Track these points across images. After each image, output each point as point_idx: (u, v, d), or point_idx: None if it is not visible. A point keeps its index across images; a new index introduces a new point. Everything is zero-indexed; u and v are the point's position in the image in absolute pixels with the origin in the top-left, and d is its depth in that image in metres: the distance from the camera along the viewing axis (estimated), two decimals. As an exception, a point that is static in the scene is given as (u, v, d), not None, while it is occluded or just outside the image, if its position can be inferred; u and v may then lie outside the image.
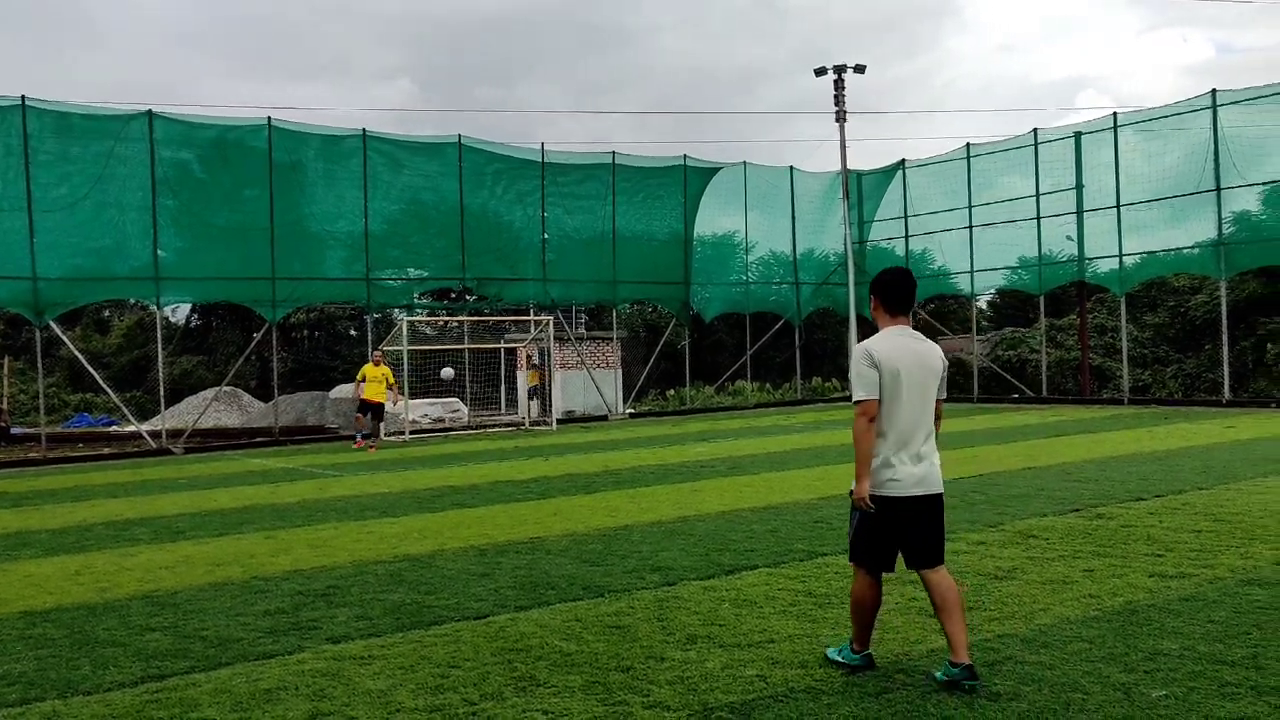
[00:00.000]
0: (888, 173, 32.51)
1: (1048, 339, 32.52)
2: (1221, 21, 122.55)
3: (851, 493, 5.22)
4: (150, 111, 22.40)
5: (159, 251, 22.70)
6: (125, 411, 25.57)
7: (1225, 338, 25.03)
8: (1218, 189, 24.24)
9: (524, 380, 28.75)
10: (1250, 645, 5.46)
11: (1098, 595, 6.66)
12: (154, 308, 24.56)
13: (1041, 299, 30.39)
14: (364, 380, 21.44)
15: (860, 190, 32.97)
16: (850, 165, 32.34)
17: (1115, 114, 26.22)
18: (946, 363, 5.36)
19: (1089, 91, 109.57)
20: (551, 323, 26.86)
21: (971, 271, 30.36)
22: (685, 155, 30.28)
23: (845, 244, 32.17)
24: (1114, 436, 17.90)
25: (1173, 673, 5.07)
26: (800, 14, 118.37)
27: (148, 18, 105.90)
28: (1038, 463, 14.20)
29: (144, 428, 24.28)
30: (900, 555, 5.31)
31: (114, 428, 27.75)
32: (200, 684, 5.44)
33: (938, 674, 5.09)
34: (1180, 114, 24.98)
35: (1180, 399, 26.79)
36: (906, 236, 31.85)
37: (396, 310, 30.44)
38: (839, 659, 5.35)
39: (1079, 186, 27.18)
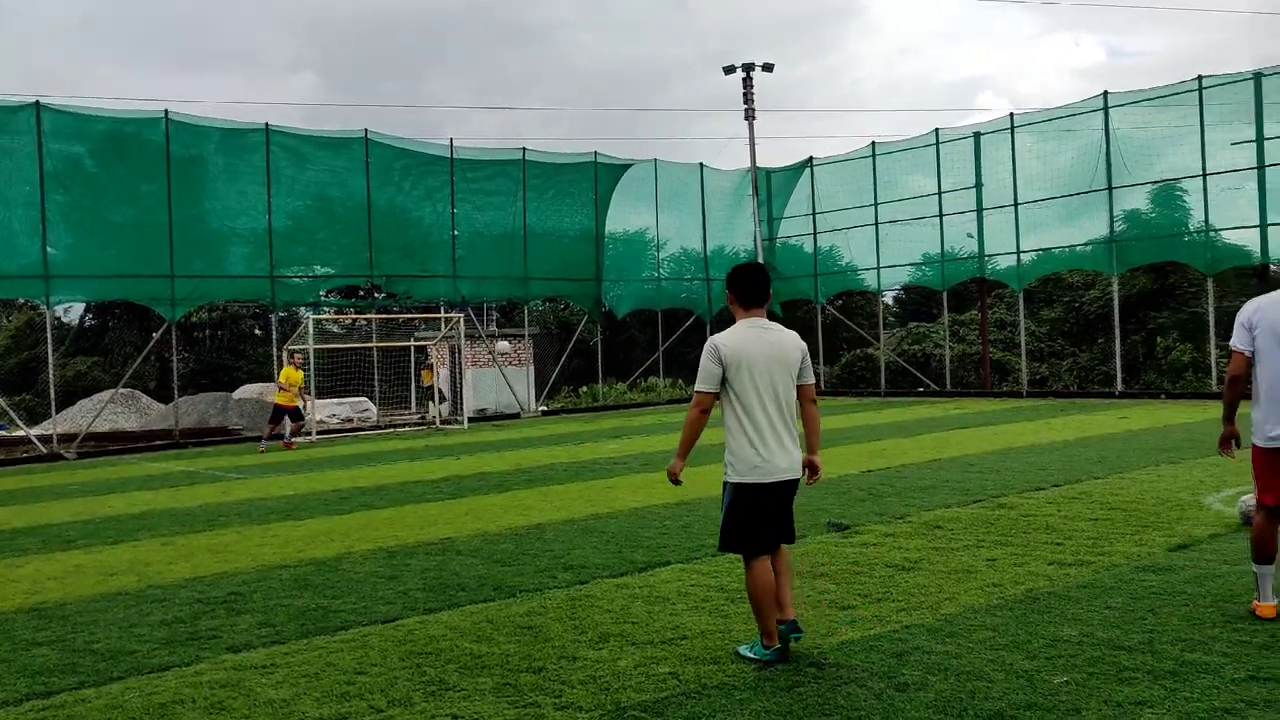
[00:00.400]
0: (796, 170, 32.94)
1: (951, 334, 33.34)
2: (1111, 26, 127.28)
3: (725, 484, 5.42)
4: (38, 102, 21.46)
5: (49, 249, 21.74)
6: (13, 416, 24.48)
7: (1117, 332, 25.98)
8: (1109, 188, 25.13)
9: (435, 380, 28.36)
10: (1145, 631, 5.63)
11: (1001, 584, 6.82)
12: (44, 307, 23.53)
13: (945, 295, 31.13)
14: (287, 384, 20.94)
15: (769, 188, 33.33)
16: (760, 163, 32.70)
17: (1012, 115, 27.01)
18: (805, 350, 5.53)
19: (987, 93, 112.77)
20: (462, 320, 26.54)
21: (878, 268, 30.95)
22: (596, 152, 30.23)
23: (755, 241, 32.50)
24: (1014, 428, 18.42)
25: (1073, 659, 5.20)
26: (708, 12, 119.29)
27: (34, 2, 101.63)
28: (942, 455, 14.52)
29: (33, 432, 23.27)
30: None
31: (1, 433, 26.55)
32: (90, 700, 5.21)
33: (743, 650, 5.49)
34: (1073, 115, 25.83)
35: (1076, 391, 27.73)
36: (815, 233, 32.31)
37: (303, 308, 29.76)
38: (751, 655, 5.37)
39: (979, 185, 27.91)
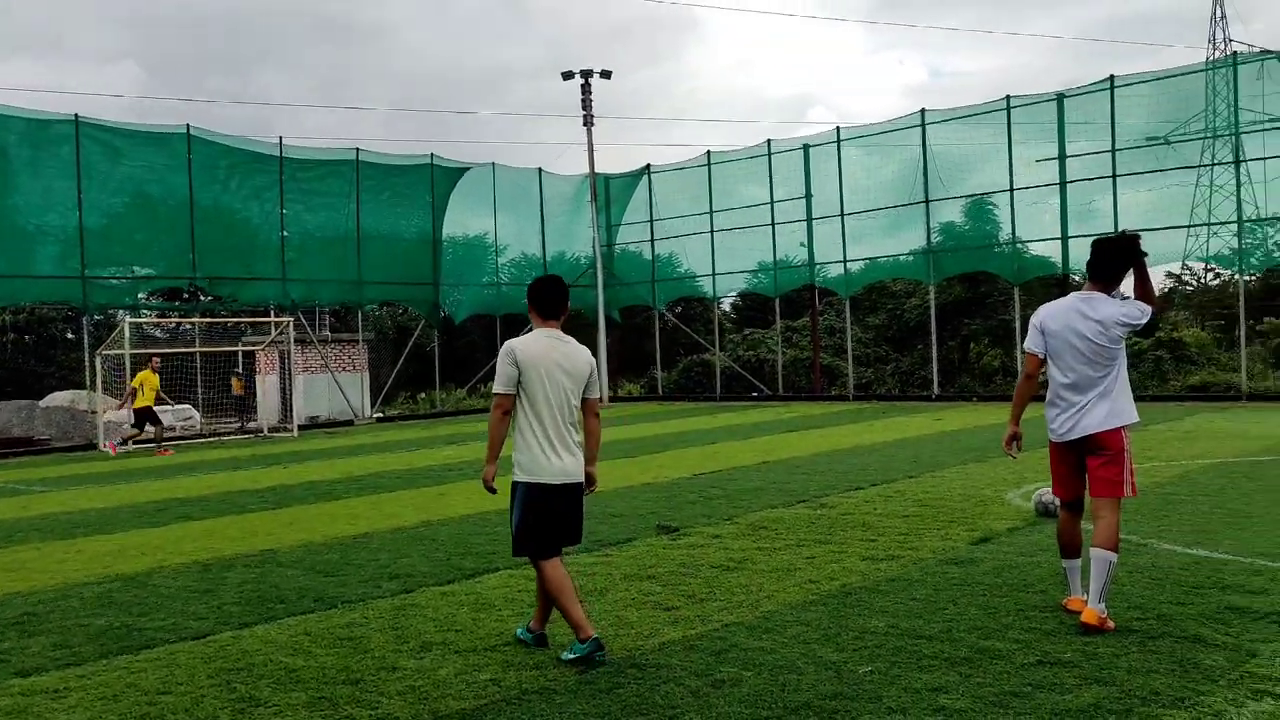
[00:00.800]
0: (634, 177, 33.32)
1: (785, 339, 34.39)
2: (933, 46, 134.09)
3: (514, 485, 5.56)
4: None
5: None
6: None
7: (934, 338, 27.39)
8: (926, 201, 26.48)
9: (263, 386, 27.31)
10: (945, 620, 5.96)
11: (817, 580, 7.08)
12: None
13: (777, 301, 32.08)
14: (141, 387, 20.17)
15: (608, 194, 33.60)
16: (599, 169, 32.91)
17: (838, 129, 28.11)
18: (594, 364, 5.78)
19: (820, 108, 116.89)
20: (292, 325, 25.66)
21: (714, 274, 31.62)
22: (432, 154, 29.80)
23: (594, 247, 32.69)
24: (840, 431, 19.16)
25: (879, 649, 5.46)
26: (547, 17, 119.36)
27: None
28: (771, 457, 14.96)
29: None
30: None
31: None
32: None
33: (518, 631, 5.80)
34: (894, 131, 27.09)
35: (897, 394, 29.06)
36: (653, 240, 32.76)
37: (120, 311, 28.16)
38: (573, 655, 5.41)
39: (808, 196, 28.93)
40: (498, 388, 5.57)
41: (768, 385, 31.80)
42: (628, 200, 33.62)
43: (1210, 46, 50.29)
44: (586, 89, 31.74)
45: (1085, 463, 5.87)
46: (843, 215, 28.15)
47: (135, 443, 21.00)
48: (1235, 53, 25.87)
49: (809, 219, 29.05)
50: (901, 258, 27.84)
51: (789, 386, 32.05)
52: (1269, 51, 22.89)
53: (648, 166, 32.89)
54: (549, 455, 5.49)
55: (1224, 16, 67.21)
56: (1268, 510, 9.00)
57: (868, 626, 5.88)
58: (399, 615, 6.54)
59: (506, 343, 5.68)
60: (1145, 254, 5.87)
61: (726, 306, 43.88)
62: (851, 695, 4.76)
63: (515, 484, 5.57)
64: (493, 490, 5.66)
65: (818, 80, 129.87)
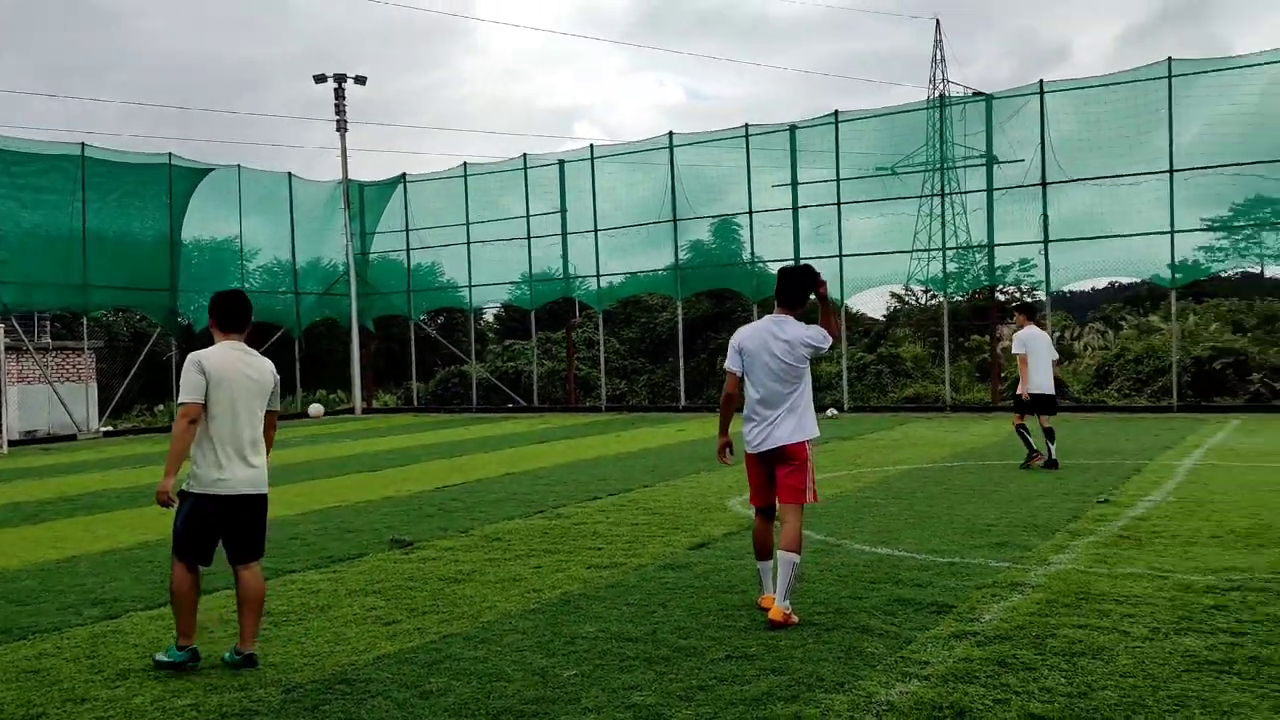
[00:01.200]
0: (390, 185, 32.75)
1: (545, 351, 34.77)
2: (691, 70, 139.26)
3: (182, 491, 5.62)
4: None
5: None
6: None
7: (681, 350, 28.56)
8: (674, 220, 27.60)
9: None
10: (653, 623, 6.35)
11: (540, 589, 7.34)
12: None
13: (533, 314, 32.40)
14: None
15: (362, 201, 32.86)
16: (358, 175, 32.22)
17: (592, 146, 28.83)
18: (278, 378, 5.95)
19: (585, 122, 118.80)
20: (2, 331, 23.50)
21: (470, 286, 31.56)
22: (170, 154, 28.13)
23: (348, 255, 31.87)
24: (589, 441, 19.64)
25: (587, 653, 5.75)
26: (305, 15, 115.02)
27: None
28: (518, 468, 15.18)
29: None
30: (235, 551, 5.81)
31: None
32: None
33: (226, 655, 5.73)
34: (645, 151, 28.07)
35: (648, 405, 30.05)
36: (408, 249, 32.31)
37: None
38: (167, 659, 5.58)
39: (563, 211, 29.46)
40: (185, 397, 5.54)
41: (524, 397, 32.05)
42: (383, 208, 32.99)
43: (931, 86, 55.11)
44: (340, 93, 30.96)
45: (776, 473, 6.44)
46: (596, 231, 28.85)
47: None
48: (941, 95, 28.51)
49: (564, 233, 29.58)
50: (657, 273, 28.85)
51: (545, 398, 32.43)
52: (979, 93, 25.41)
53: (404, 175, 32.41)
54: (225, 466, 5.56)
55: (943, 59, 73.54)
56: (948, 510, 10.08)
57: (580, 632, 6.17)
58: (97, 643, 6.24)
59: (192, 354, 5.70)
60: (824, 283, 6.52)
61: (490, 318, 43.92)
62: (553, 699, 5.01)
63: (185, 493, 5.60)
64: (170, 504, 5.59)
65: (584, 95, 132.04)
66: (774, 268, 26.87)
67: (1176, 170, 21.85)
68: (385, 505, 11.83)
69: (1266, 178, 21.32)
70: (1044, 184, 23.24)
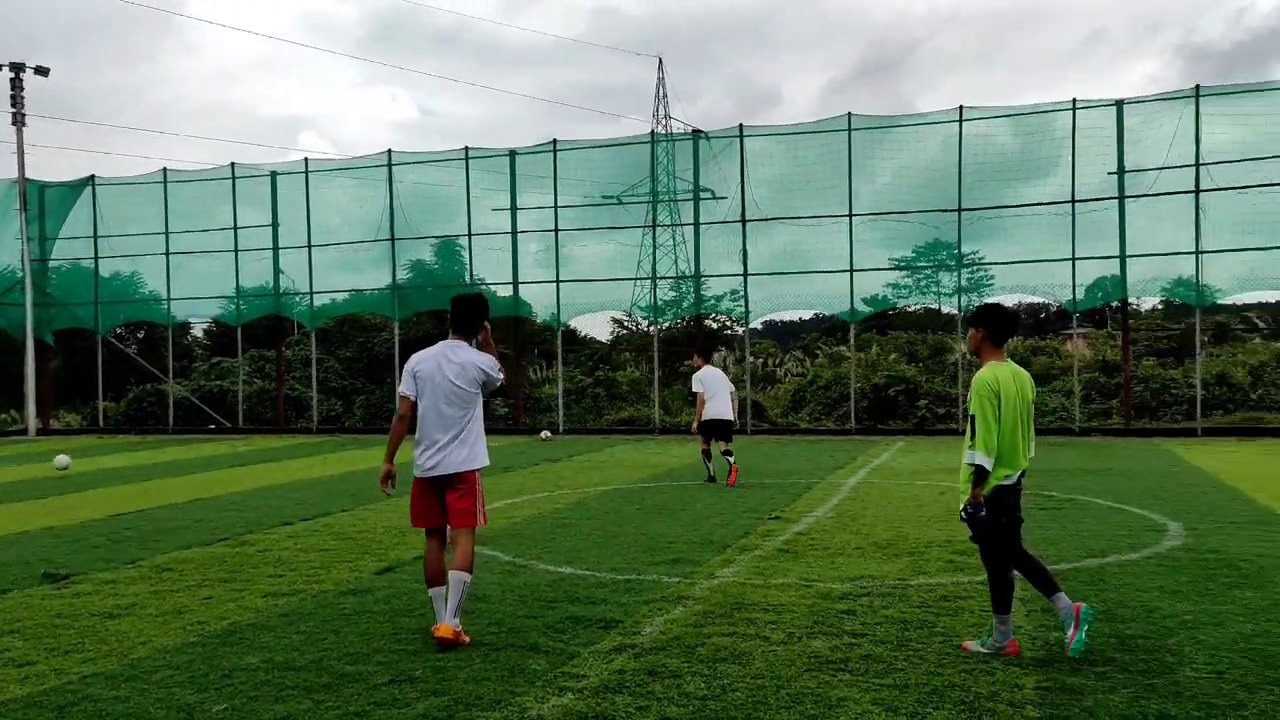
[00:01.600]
0: (76, 188, 30.09)
1: (257, 370, 33.02)
2: (425, 87, 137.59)
3: None
4: None
5: None
6: None
7: (398, 372, 28.01)
8: (392, 239, 27.16)
9: None
10: (321, 650, 6.23)
11: (206, 621, 7.01)
12: None
13: (239, 330, 30.75)
14: None
15: (42, 203, 29.98)
16: (39, 175, 29.36)
17: (307, 160, 27.87)
18: None
19: (311, 133, 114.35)
20: None
21: (168, 299, 29.54)
22: None
23: (23, 260, 28.97)
24: (294, 464, 18.89)
25: (243, 685, 5.56)
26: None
27: None
28: (208, 494, 14.36)
29: None
30: None
31: None
32: None
33: None
34: (367, 167, 27.47)
35: (363, 428, 29.24)
36: (96, 258, 29.78)
37: None
38: None
39: (274, 225, 28.25)
40: None
41: (229, 417, 30.32)
42: (68, 212, 30.21)
43: (654, 120, 57.42)
44: (18, 83, 28.17)
45: (445, 498, 6.52)
46: (310, 247, 27.88)
47: None
48: (654, 131, 29.82)
49: (275, 247, 28.35)
50: (373, 291, 28.20)
51: (253, 419, 30.82)
52: (697, 131, 26.73)
53: (92, 177, 29.87)
54: None
55: (665, 95, 76.85)
56: (635, 529, 10.54)
57: (240, 664, 5.96)
58: None
59: None
60: (487, 316, 6.74)
61: (199, 333, 41.16)
62: (196, 734, 4.83)
63: None
64: None
65: (311, 105, 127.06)
66: (500, 290, 27.07)
67: (856, 215, 23.97)
68: (44, 536, 10.86)
69: (942, 225, 23.80)
70: (744, 220, 24.80)
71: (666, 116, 58.06)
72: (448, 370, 6.49)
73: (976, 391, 5.85)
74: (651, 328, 27.59)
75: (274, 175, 28.16)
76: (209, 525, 11.40)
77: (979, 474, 5.75)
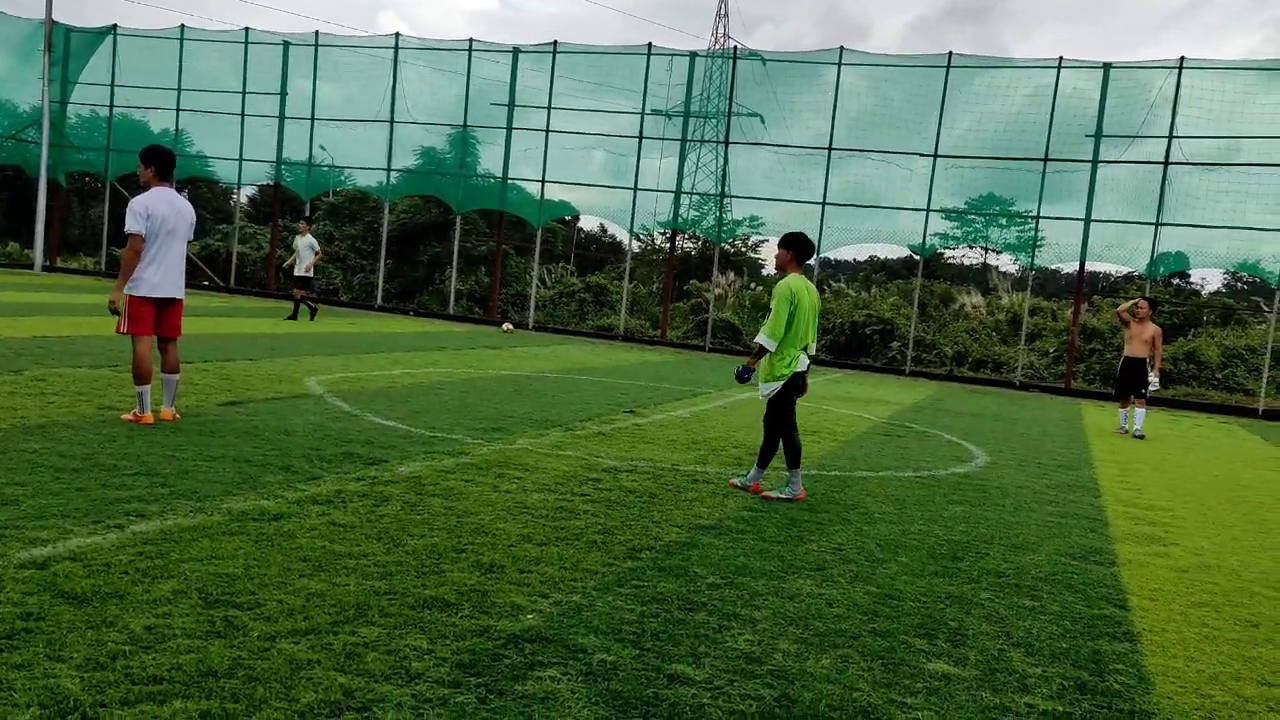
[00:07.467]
0: (99, 35, 30.70)
1: (281, 240, 33.99)
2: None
3: None
4: None
5: None
6: None
7: (383, 252, 28.77)
8: (391, 121, 27.59)
9: None
10: (94, 449, 6.97)
11: (28, 416, 7.78)
12: None
13: (238, 191, 31.44)
14: None
15: (67, 47, 30.67)
16: (62, 18, 29.97)
17: (317, 34, 28.14)
18: None
19: (390, 13, 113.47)
20: None
21: (177, 154, 30.19)
22: None
23: (43, 101, 29.79)
24: (248, 322, 19.65)
25: (16, 459, 6.32)
26: None
27: None
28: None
29: None
30: None
31: None
32: None
33: None
34: (376, 48, 27.79)
35: (347, 302, 30.07)
36: (111, 106, 30.50)
37: None
38: None
39: (283, 94, 28.76)
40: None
41: (223, 278, 31.32)
42: (89, 58, 30.85)
43: (712, 39, 56.84)
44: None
45: (162, 313, 8.35)
46: (313, 119, 28.39)
47: None
48: (709, 49, 29.33)
49: (281, 117, 28.90)
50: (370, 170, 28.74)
51: (253, 281, 31.81)
52: (755, 52, 26.11)
53: (114, 26, 30.43)
54: None
55: (727, 14, 75.62)
56: (493, 405, 11.15)
57: (26, 447, 6.71)
58: None
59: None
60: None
61: (242, 198, 41.95)
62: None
63: None
64: None
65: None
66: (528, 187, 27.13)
67: (941, 155, 22.97)
68: (-41, 343, 11.68)
69: (1010, 178, 22.84)
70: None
71: (725, 36, 57.46)
72: (185, 210, 8.39)
73: (779, 293, 7.46)
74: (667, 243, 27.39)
75: (286, 44, 28.53)
76: (109, 355, 12.17)
77: (761, 350, 7.49)
